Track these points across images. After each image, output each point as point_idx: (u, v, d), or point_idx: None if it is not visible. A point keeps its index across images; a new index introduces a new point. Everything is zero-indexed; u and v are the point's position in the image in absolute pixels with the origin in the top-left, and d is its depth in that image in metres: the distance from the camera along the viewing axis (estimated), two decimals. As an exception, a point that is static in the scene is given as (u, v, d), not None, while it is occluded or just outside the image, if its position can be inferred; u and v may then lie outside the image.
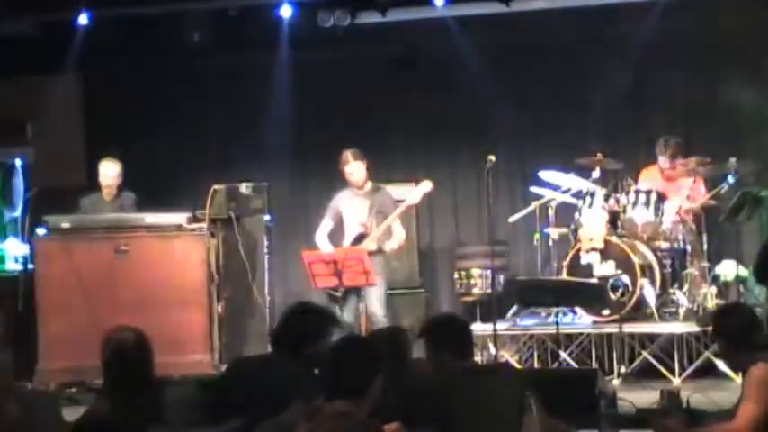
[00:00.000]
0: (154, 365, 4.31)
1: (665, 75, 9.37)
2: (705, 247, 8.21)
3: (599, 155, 8.55)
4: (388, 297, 8.03)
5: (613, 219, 8.35)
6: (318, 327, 4.74)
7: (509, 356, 8.17)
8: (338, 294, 7.68)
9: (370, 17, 9.76)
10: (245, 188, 8.59)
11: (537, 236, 8.71)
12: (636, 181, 8.62)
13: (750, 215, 8.10)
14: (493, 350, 7.98)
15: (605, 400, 6.04)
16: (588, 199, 8.40)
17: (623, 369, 7.75)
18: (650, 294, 8.12)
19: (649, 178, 8.67)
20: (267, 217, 8.73)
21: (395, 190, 8.30)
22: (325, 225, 8.17)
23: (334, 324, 4.86)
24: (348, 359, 3.87)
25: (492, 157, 7.78)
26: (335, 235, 8.13)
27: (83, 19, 9.43)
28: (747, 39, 9.09)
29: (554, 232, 8.64)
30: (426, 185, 7.96)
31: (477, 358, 7.63)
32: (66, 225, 7.93)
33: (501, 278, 8.75)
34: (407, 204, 8.01)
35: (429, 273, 9.73)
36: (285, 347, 4.73)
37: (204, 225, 8.04)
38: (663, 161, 8.56)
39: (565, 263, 8.29)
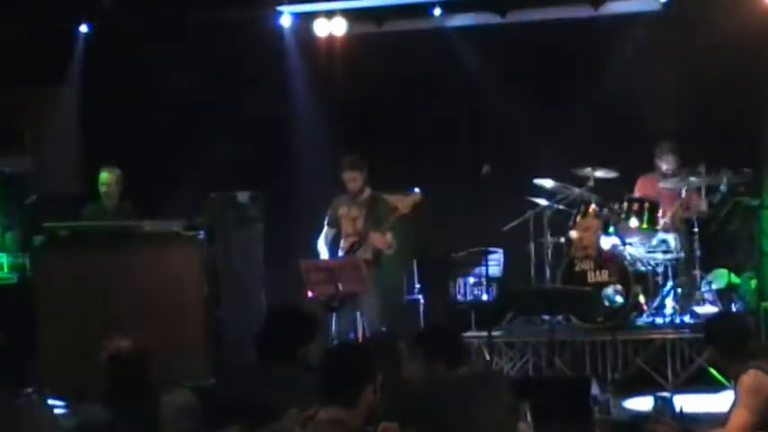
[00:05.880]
0: (152, 374, 4.35)
1: (661, 84, 9.43)
2: (698, 255, 8.28)
3: (594, 164, 8.61)
4: (384, 305, 8.07)
5: (607, 227, 8.42)
6: (301, 330, 4.77)
7: (503, 363, 8.22)
8: (335, 304, 7.72)
9: (366, 28, 9.84)
10: (241, 196, 8.62)
11: (531, 244, 8.77)
12: (632, 189, 8.69)
13: (742, 224, 8.17)
14: (487, 357, 8.05)
15: (599, 406, 6.10)
16: (582, 207, 8.46)
17: (617, 376, 7.81)
18: (643, 302, 8.18)
19: (646, 186, 8.73)
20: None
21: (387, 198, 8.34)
22: (326, 231, 8.23)
23: (318, 326, 4.88)
24: (342, 366, 3.91)
25: (487, 166, 7.85)
26: (335, 241, 8.19)
27: (82, 29, 9.50)
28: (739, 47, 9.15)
29: (548, 241, 8.69)
30: (416, 196, 7.98)
31: (473, 365, 7.69)
32: (64, 233, 7.96)
33: (495, 286, 8.79)
34: (397, 215, 8.04)
35: (424, 280, 9.76)
36: (272, 353, 4.75)
37: (201, 233, 8.07)
38: (662, 164, 8.60)
39: (559, 271, 8.34)
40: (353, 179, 8.10)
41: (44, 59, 9.77)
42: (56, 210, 8.64)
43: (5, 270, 8.48)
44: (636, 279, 8.12)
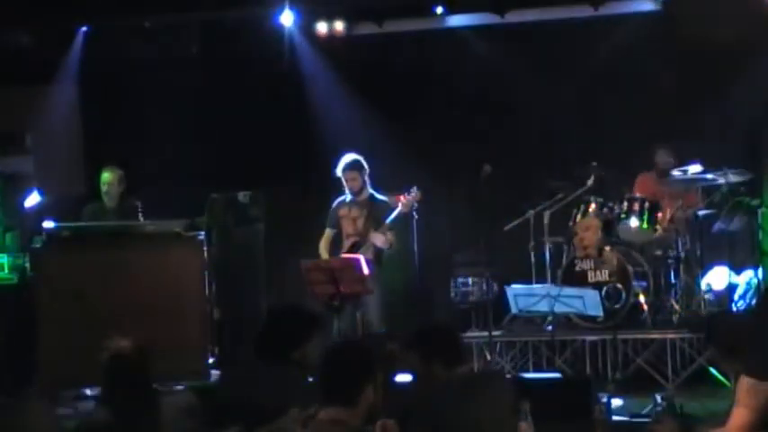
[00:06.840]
0: (152, 374, 4.35)
1: (661, 83, 9.43)
2: (698, 254, 8.28)
3: (594, 164, 8.62)
4: (385, 305, 8.07)
5: (608, 226, 8.42)
6: (301, 330, 4.76)
7: (504, 363, 8.22)
8: (336, 304, 7.71)
9: (366, 29, 9.85)
10: (242, 196, 8.62)
11: (532, 243, 8.77)
12: (632, 188, 8.69)
13: (742, 223, 8.18)
14: (488, 357, 8.05)
15: (599, 406, 6.10)
16: (582, 207, 8.47)
17: (617, 375, 7.81)
18: (644, 301, 8.18)
19: (645, 184, 8.74)
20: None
21: (387, 198, 8.35)
22: (328, 233, 8.24)
23: (317, 326, 4.87)
24: (342, 366, 3.91)
25: (487, 166, 7.84)
26: (336, 242, 8.19)
27: (82, 29, 9.51)
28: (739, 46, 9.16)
29: (549, 240, 8.69)
30: (416, 194, 7.99)
31: (473, 365, 7.69)
32: (65, 233, 7.96)
33: (496, 285, 8.79)
34: (397, 213, 8.04)
35: (425, 280, 9.76)
36: (272, 353, 4.75)
37: (202, 233, 8.07)
38: (662, 162, 8.61)
39: (560, 270, 8.34)
40: (353, 179, 8.11)
41: (44, 59, 9.77)
42: (56, 210, 8.64)
43: (6, 270, 8.47)
44: (636, 278, 8.12)
